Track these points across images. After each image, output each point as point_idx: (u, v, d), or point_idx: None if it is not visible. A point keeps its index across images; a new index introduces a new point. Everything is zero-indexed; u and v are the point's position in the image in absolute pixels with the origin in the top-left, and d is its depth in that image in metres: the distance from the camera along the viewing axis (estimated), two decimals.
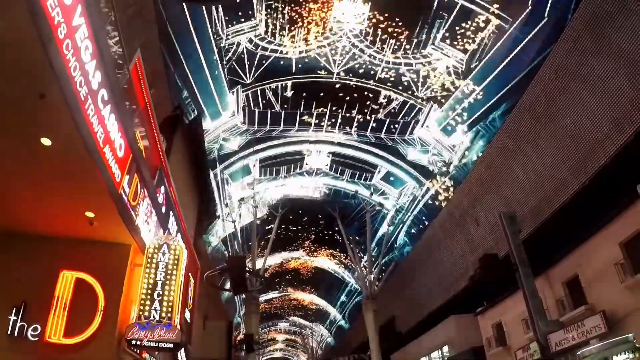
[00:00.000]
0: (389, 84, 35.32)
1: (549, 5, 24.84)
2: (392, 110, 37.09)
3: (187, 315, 21.55)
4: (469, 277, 29.96)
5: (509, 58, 28.55)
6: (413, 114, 36.93)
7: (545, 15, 25.48)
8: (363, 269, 44.77)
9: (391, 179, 44.35)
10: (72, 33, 7.96)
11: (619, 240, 21.27)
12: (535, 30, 26.10)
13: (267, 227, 48.69)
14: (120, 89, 10.94)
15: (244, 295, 42.32)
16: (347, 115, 38.45)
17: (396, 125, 38.29)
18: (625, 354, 20.52)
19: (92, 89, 8.93)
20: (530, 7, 26.06)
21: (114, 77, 10.22)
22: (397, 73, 34.34)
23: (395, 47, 32.46)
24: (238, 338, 44.79)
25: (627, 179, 20.47)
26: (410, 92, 35.39)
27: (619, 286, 20.88)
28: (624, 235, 21.02)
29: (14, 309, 11.57)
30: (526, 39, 26.48)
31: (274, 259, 58.82)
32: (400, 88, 35.33)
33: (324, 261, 63.48)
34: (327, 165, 44.85)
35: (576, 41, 21.59)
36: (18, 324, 11.48)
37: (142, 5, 18.65)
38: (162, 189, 18.34)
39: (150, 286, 13.75)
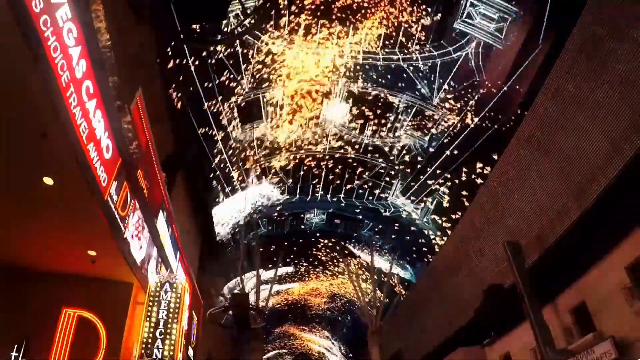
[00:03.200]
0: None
1: (542, 33, 25.09)
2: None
3: (191, 352, 21.38)
4: (474, 309, 29.68)
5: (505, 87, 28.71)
6: None
7: (540, 42, 25.72)
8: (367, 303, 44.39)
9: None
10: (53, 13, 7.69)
11: (625, 265, 21.12)
12: (530, 58, 26.31)
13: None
14: (108, 86, 10.55)
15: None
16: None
17: None
18: None
19: (75, 76, 8.44)
20: (525, 35, 26.33)
21: (101, 74, 9.80)
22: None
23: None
24: None
25: (630, 202, 20.42)
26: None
27: (627, 311, 20.63)
28: (629, 259, 20.88)
29: (16, 345, 11.48)
30: (521, 68, 26.66)
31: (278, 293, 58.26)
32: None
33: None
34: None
35: (572, 66, 21.73)
36: None
37: (142, 43, 18.87)
38: (166, 225, 18.41)
39: (152, 324, 13.71)
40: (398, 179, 39.07)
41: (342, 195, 42.76)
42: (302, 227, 47.11)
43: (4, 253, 11.54)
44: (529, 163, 26.41)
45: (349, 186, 41.38)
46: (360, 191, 42.02)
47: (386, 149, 37.08)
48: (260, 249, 43.86)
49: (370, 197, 42.51)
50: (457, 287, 38.22)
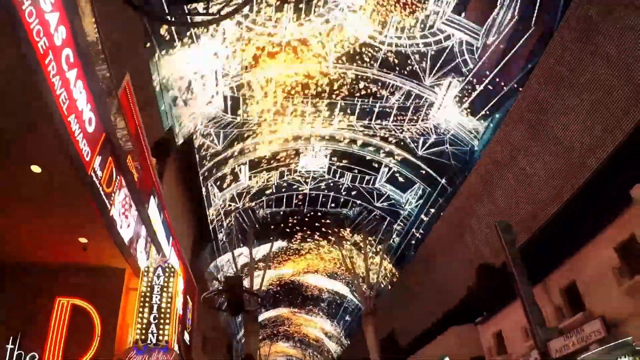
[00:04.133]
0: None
1: (535, 14, 24.95)
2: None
3: (187, 337, 21.53)
4: (466, 288, 29.97)
5: (496, 69, 28.61)
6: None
7: (532, 24, 25.62)
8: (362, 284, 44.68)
9: (399, 179, 42.76)
10: None
11: (614, 245, 21.33)
12: (523, 39, 26.20)
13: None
14: (91, 57, 10.06)
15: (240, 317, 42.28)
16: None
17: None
18: (625, 357, 20.49)
19: (54, 43, 8.01)
20: (517, 17, 26.20)
21: (83, 42, 9.35)
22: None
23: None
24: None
25: (620, 184, 20.58)
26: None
27: (616, 290, 20.88)
28: (619, 239, 21.08)
29: (11, 337, 11.53)
30: (514, 49, 26.57)
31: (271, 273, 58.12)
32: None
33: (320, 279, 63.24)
34: (323, 167, 41.78)
35: (564, 49, 21.75)
36: (15, 353, 11.43)
37: (129, 29, 18.75)
38: (158, 211, 18.43)
39: (146, 310, 13.74)
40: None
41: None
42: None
43: None
44: (520, 144, 26.52)
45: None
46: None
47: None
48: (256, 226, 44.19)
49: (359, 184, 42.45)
50: (450, 267, 38.53)
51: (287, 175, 41.56)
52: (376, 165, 40.31)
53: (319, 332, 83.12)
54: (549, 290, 26.51)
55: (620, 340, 20.60)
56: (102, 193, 10.35)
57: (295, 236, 50.55)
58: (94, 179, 9.84)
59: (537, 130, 25.02)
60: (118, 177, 11.53)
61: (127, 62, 19.00)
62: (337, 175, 42.60)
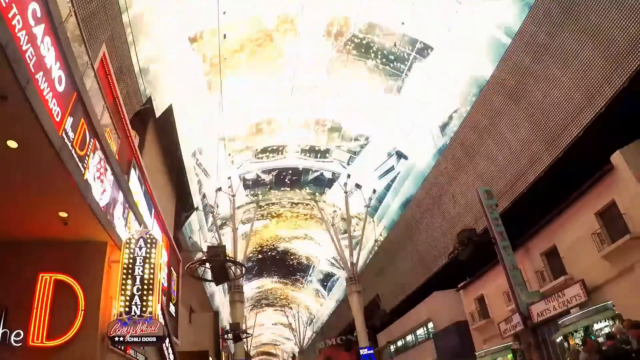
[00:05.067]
0: None
1: None
2: None
3: (172, 309, 21.55)
4: (448, 253, 30.24)
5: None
6: None
7: None
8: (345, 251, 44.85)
9: None
10: None
11: (595, 210, 21.59)
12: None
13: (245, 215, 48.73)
14: (59, 13, 9.39)
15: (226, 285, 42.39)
16: None
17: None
18: (605, 321, 20.92)
19: None
20: None
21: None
22: None
23: None
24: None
25: (601, 150, 20.75)
26: None
27: (596, 255, 21.22)
28: (599, 205, 21.35)
29: None
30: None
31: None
32: None
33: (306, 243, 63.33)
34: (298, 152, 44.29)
35: (546, 15, 21.67)
36: (0, 331, 11.35)
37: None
38: (139, 183, 18.28)
39: (129, 282, 13.68)
40: None
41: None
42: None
43: None
44: (501, 110, 26.58)
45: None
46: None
47: None
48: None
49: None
50: (432, 233, 38.88)
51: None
52: None
53: (306, 299, 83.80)
54: (530, 255, 26.90)
55: (600, 304, 21.01)
56: (75, 156, 9.94)
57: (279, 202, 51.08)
58: (66, 140, 9.41)
59: (518, 96, 25.08)
60: (92, 140, 11.10)
61: (103, 31, 18.68)
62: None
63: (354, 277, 42.13)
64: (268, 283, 78.56)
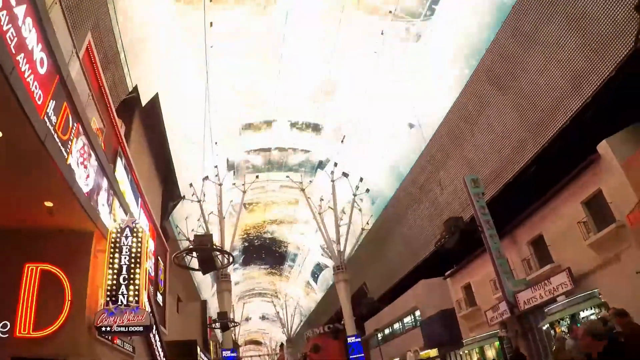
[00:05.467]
0: None
1: None
2: None
3: (160, 298, 21.51)
4: (435, 242, 30.38)
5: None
6: None
7: None
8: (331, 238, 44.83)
9: None
10: None
11: (581, 199, 21.71)
12: None
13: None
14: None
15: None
16: None
17: None
18: (591, 309, 21.08)
19: None
20: None
21: None
22: None
23: None
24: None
25: (588, 139, 20.84)
26: None
27: (582, 244, 21.32)
28: (585, 194, 21.45)
29: None
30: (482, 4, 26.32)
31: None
32: None
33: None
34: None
35: (533, 3, 21.68)
36: None
37: None
38: (125, 172, 18.15)
39: (115, 271, 13.63)
40: None
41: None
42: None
43: None
44: (488, 98, 26.62)
45: None
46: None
47: None
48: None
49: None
50: (419, 221, 39.01)
51: None
52: None
53: (295, 290, 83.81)
54: (517, 243, 27.02)
55: (586, 292, 21.17)
56: (57, 140, 9.68)
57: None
58: (48, 124, 9.16)
59: (505, 85, 25.12)
60: (75, 124, 10.85)
61: (88, 19, 18.46)
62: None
63: (341, 266, 42.17)
64: (255, 272, 78.30)
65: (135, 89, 23.76)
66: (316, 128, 42.81)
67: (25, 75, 8.18)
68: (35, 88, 8.57)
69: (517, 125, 25.24)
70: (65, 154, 10.18)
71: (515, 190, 26.92)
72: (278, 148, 45.46)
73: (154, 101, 25.84)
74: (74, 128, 10.75)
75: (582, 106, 21.02)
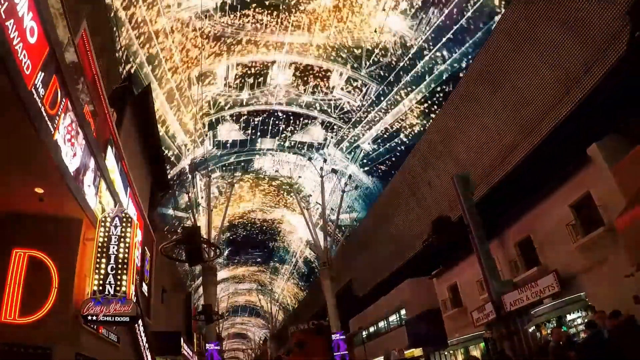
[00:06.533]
0: None
1: None
2: None
3: (145, 288, 21.39)
4: (422, 241, 30.40)
5: (458, 24, 28.36)
6: None
7: None
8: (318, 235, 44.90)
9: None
10: None
11: (570, 202, 21.80)
12: None
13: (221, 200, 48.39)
14: None
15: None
16: None
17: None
18: (578, 312, 21.21)
19: None
20: None
21: None
22: None
23: None
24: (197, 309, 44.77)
25: (578, 142, 20.92)
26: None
27: (570, 247, 21.46)
28: (574, 196, 21.55)
29: None
30: (476, 5, 26.32)
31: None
32: None
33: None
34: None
35: (527, 4, 21.73)
36: None
37: None
38: (115, 161, 18.00)
39: (103, 260, 13.55)
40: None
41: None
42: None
43: None
44: (480, 98, 26.66)
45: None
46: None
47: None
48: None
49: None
50: (407, 219, 39.07)
51: None
52: None
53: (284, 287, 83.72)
54: (505, 245, 27.11)
55: (573, 295, 21.27)
56: (44, 114, 9.31)
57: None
58: (35, 96, 8.79)
59: (497, 85, 25.16)
60: (64, 100, 10.47)
61: (83, 6, 18.29)
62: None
63: (327, 262, 42.23)
64: (241, 267, 77.97)
65: (128, 77, 23.62)
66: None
67: (14, 43, 7.90)
68: (24, 58, 8.28)
69: (508, 125, 25.30)
70: (52, 129, 9.84)
71: (504, 191, 26.99)
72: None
73: (146, 91, 25.69)
74: (63, 103, 10.33)
75: (573, 108, 21.09)
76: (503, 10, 23.68)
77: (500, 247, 27.12)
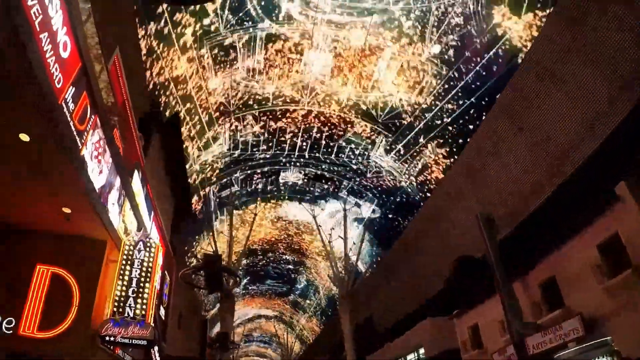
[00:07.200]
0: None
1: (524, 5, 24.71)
2: None
3: (162, 312, 21.39)
4: (444, 280, 30.03)
5: (483, 61, 28.34)
6: None
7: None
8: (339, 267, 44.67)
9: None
10: None
11: (597, 243, 21.39)
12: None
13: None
14: None
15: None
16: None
17: None
18: (603, 357, 20.63)
19: None
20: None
21: None
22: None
23: None
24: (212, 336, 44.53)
25: (605, 180, 20.60)
26: None
27: (596, 289, 20.96)
28: (601, 237, 21.13)
29: None
30: (500, 43, 26.33)
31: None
32: None
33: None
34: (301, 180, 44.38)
35: (552, 40, 21.60)
36: None
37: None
38: (141, 185, 18.18)
39: (125, 283, 13.67)
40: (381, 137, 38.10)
41: (321, 154, 42.03)
42: (277, 187, 46.59)
43: None
44: (505, 136, 26.50)
45: (331, 144, 40.22)
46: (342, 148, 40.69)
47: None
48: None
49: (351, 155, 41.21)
50: (429, 257, 38.65)
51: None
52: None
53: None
54: (528, 286, 26.64)
55: (598, 340, 20.73)
56: (73, 128, 9.37)
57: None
58: (65, 110, 8.87)
59: (522, 123, 25.01)
60: (93, 116, 10.59)
61: (117, 32, 18.66)
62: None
63: (347, 296, 41.89)
64: (259, 297, 77.45)
65: (157, 104, 23.96)
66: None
67: (47, 56, 7.99)
68: (56, 71, 8.35)
69: (533, 163, 25.07)
70: (79, 144, 9.94)
71: (529, 230, 26.62)
72: None
73: (175, 119, 26.05)
74: (92, 120, 10.56)
75: (599, 145, 20.82)
76: (527, 47, 23.58)
77: (524, 287, 26.66)
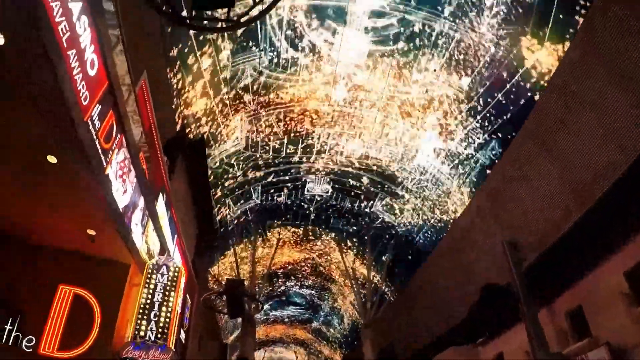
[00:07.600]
0: None
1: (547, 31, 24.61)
2: None
3: (183, 335, 21.37)
4: (469, 308, 29.66)
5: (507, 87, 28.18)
6: None
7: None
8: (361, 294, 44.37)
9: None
10: None
11: (624, 270, 20.99)
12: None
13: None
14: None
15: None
16: None
17: None
18: None
19: None
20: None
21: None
22: None
23: None
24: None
25: (633, 205, 20.26)
26: None
27: (624, 318, 20.50)
28: (629, 264, 20.74)
29: (10, 319, 11.45)
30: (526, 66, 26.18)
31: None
32: None
33: None
34: (328, 191, 42.24)
35: (578, 62, 21.41)
36: (13, 334, 11.38)
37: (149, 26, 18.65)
38: (165, 208, 18.29)
39: (147, 306, 13.71)
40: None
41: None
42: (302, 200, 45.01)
43: (7, 224, 11.46)
44: (531, 161, 26.22)
45: None
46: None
47: None
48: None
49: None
50: (453, 284, 38.21)
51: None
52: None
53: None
54: (554, 314, 26.17)
55: None
56: (98, 147, 9.34)
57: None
58: (91, 128, 8.84)
59: (549, 147, 24.74)
60: (119, 136, 10.58)
61: (144, 58, 18.94)
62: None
63: (369, 323, 41.55)
64: (278, 324, 77.01)
65: (183, 127, 24.18)
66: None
67: (74, 73, 8.03)
68: (83, 88, 8.39)
69: (560, 189, 24.73)
70: (104, 163, 9.98)
71: (555, 258, 26.19)
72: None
73: (200, 143, 26.25)
74: (117, 139, 10.65)
75: (627, 170, 20.45)
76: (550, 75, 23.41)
77: (549, 316, 26.19)
